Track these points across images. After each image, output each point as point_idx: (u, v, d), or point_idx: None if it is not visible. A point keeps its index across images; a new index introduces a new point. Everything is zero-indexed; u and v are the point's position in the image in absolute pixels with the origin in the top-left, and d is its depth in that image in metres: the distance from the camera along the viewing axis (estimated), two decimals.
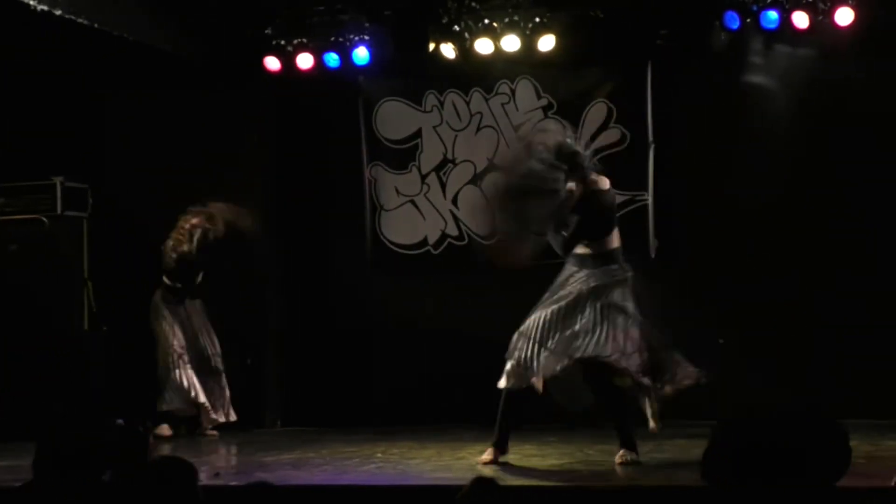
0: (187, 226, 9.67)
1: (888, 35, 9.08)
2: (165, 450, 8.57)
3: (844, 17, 9.07)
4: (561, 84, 9.97)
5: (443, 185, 10.26)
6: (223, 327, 10.19)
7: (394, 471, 7.26)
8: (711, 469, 3.49)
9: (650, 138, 9.69)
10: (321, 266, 10.61)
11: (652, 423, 7.17)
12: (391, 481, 6.90)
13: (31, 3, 8.43)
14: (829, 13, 9.11)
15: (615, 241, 7.32)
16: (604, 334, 7.06)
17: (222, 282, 10.23)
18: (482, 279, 10.09)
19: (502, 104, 10.12)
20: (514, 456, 7.48)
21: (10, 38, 9.91)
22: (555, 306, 7.20)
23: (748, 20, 9.38)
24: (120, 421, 8.62)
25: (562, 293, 7.24)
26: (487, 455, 7.27)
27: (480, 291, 10.10)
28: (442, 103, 10.25)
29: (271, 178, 10.62)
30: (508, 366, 7.27)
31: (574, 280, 7.24)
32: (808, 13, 9.17)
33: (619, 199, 9.61)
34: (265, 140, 10.61)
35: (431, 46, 9.87)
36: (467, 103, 10.20)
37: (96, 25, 9.10)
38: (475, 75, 10.11)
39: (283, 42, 10.14)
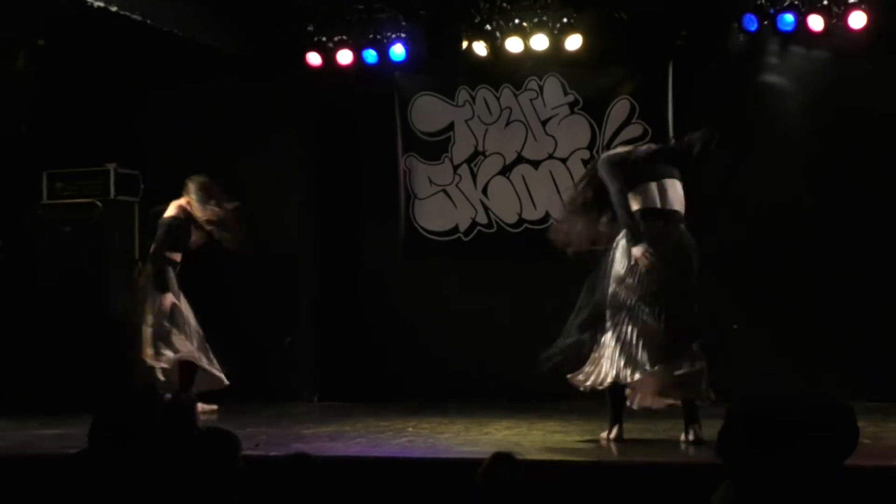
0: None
1: None
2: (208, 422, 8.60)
3: (857, 20, 9.03)
4: (587, 81, 9.96)
5: (473, 176, 10.26)
6: (264, 309, 10.27)
7: (424, 444, 7.27)
8: (726, 447, 3.50)
9: (670, 134, 9.65)
10: (356, 251, 10.64)
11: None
12: (422, 454, 6.91)
13: None
14: (843, 17, 9.07)
15: None
16: None
17: (262, 267, 10.30)
18: (509, 265, 10.14)
19: (531, 100, 10.12)
20: (538, 432, 7.50)
21: (68, 33, 9.98)
22: None
23: (765, 22, 9.34)
24: (168, 395, 8.70)
25: None
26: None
27: (507, 276, 10.15)
28: (474, 98, 10.25)
29: (309, 167, 10.66)
30: None
31: None
32: (822, 16, 9.14)
33: None
34: (305, 131, 10.63)
35: (464, 44, 9.86)
36: (497, 98, 10.20)
37: (149, 21, 9.13)
38: (505, 72, 10.10)
39: (324, 39, 10.18)
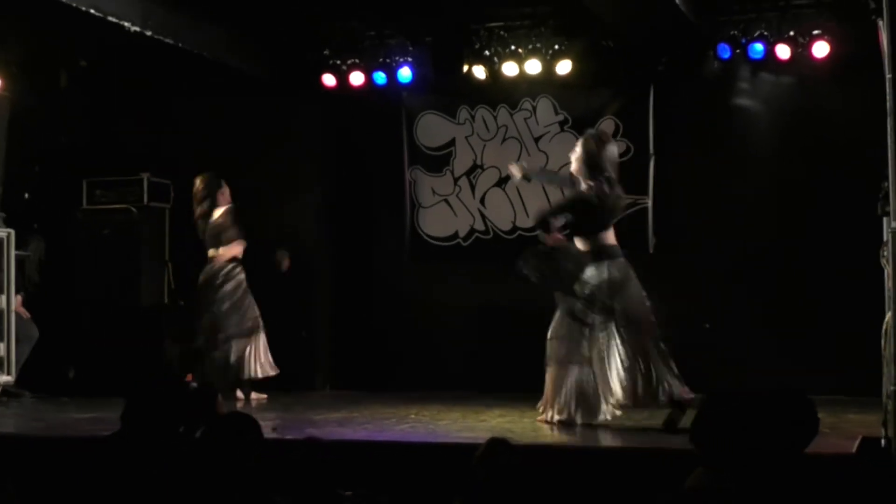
0: None
1: (858, 66, 9.01)
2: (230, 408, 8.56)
3: (821, 50, 9.08)
4: (576, 102, 9.96)
5: (472, 187, 10.26)
6: (283, 306, 10.24)
7: (425, 430, 7.26)
8: (699, 435, 3.50)
9: (651, 150, 9.67)
10: (366, 253, 10.64)
11: None
12: (423, 439, 6.90)
13: (126, 24, 8.45)
14: (808, 46, 9.11)
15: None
16: None
17: (281, 268, 10.29)
18: (503, 267, 10.09)
19: (525, 119, 10.11)
20: (528, 420, 7.48)
21: (106, 53, 9.99)
22: None
23: (738, 51, 9.36)
24: (193, 383, 8.67)
25: None
26: None
27: (501, 277, 10.10)
28: (473, 117, 10.25)
29: (324, 177, 10.65)
30: None
31: None
32: (789, 46, 9.18)
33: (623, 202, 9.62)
34: (322, 145, 10.63)
35: (465, 68, 9.86)
36: (495, 117, 10.19)
37: (181, 45, 9.12)
38: (502, 93, 10.10)
39: (338, 62, 10.18)
